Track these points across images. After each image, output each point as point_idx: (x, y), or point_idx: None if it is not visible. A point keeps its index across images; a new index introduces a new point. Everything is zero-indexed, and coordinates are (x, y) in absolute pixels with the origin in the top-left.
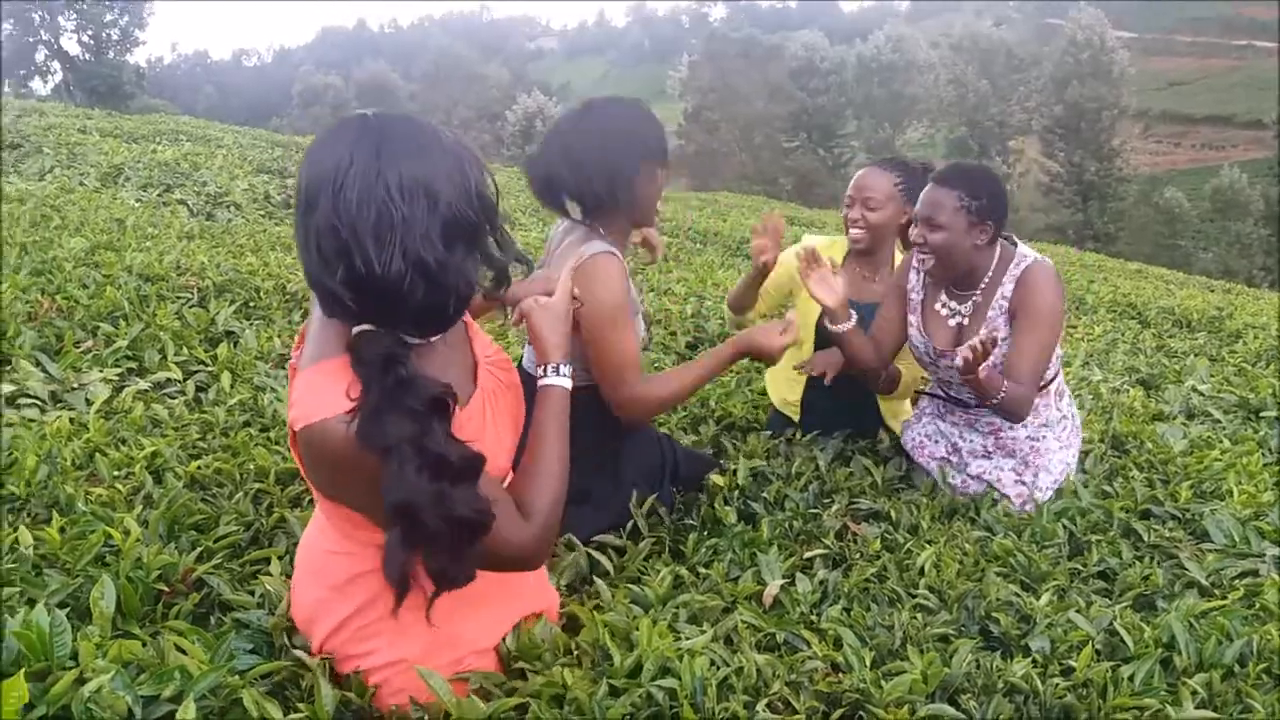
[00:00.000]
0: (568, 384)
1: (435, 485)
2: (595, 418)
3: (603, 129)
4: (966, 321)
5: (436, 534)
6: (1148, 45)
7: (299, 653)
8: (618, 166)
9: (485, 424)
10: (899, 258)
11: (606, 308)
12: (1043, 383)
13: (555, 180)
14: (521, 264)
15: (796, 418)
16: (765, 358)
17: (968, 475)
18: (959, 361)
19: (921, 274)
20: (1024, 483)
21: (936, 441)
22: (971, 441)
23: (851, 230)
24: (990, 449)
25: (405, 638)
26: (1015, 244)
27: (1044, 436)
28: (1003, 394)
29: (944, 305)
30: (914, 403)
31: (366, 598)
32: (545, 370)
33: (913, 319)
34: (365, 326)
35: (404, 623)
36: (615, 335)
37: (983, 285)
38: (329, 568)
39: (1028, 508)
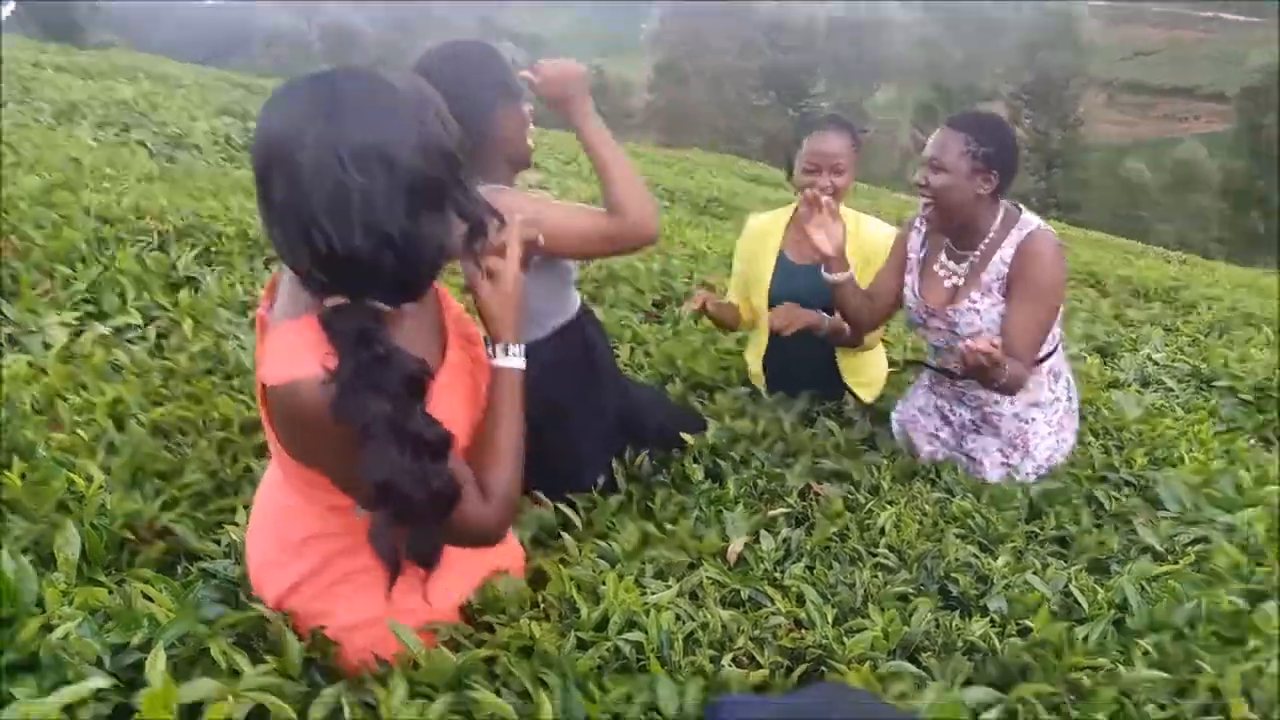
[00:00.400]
0: (520, 364)
1: (416, 464)
2: (570, 353)
3: (451, 77)
4: (962, 282)
5: (420, 511)
6: (1116, 13)
7: (261, 607)
8: (474, 115)
9: (452, 397)
10: (851, 220)
11: None
12: (1037, 358)
13: None
14: (495, 217)
15: (764, 388)
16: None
17: (961, 452)
18: (961, 347)
19: (923, 234)
20: (1009, 464)
21: (929, 414)
22: (960, 415)
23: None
24: (978, 423)
25: (364, 601)
26: (1020, 210)
27: (1033, 419)
28: (1002, 376)
29: (942, 266)
30: (913, 375)
31: (320, 559)
32: (495, 351)
33: (909, 279)
34: (338, 300)
35: (360, 584)
36: None
37: (983, 245)
38: (282, 524)
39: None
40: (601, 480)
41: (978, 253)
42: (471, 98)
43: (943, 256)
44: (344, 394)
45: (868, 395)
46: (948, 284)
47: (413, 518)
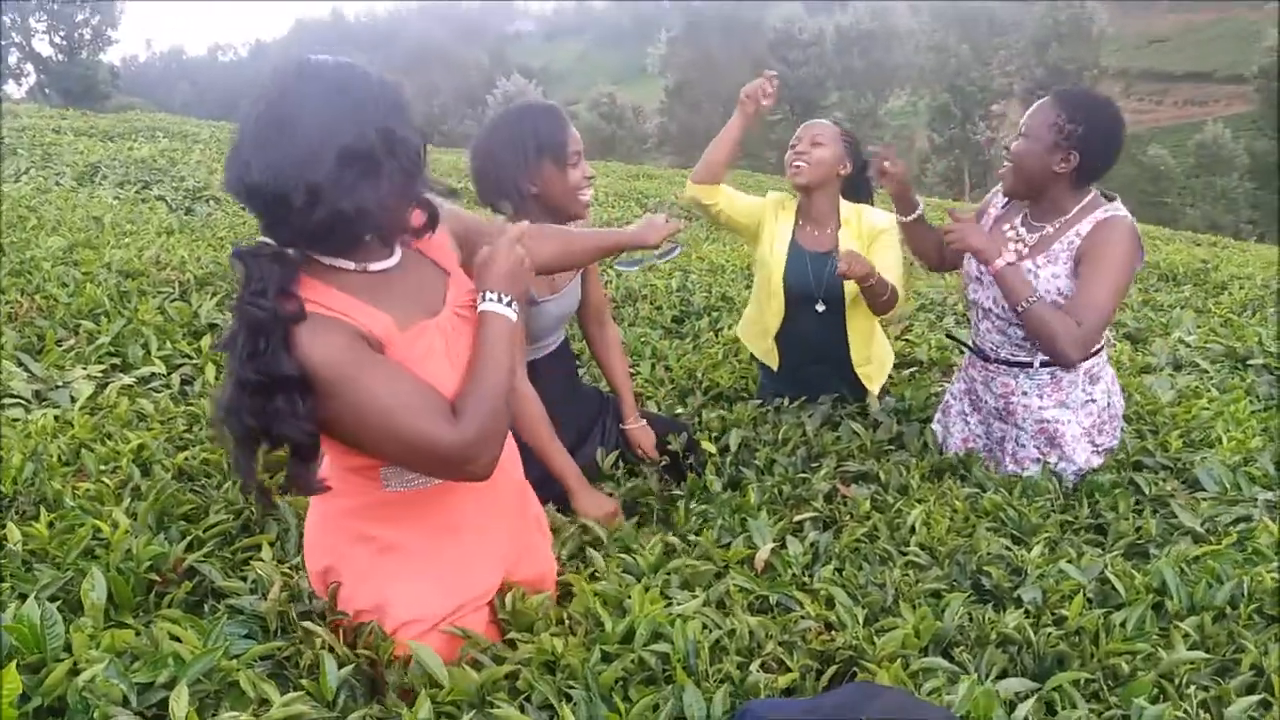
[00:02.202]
0: (510, 314)
1: (236, 396)
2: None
3: (491, 135)
4: (1025, 250)
5: (250, 440)
6: (1128, 5)
7: (306, 624)
8: (507, 168)
9: (431, 356)
10: (844, 208)
11: None
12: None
13: (477, 182)
14: (451, 196)
15: (776, 365)
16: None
17: (991, 441)
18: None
19: (1003, 204)
20: (1045, 461)
21: (959, 398)
22: (987, 402)
23: (794, 164)
24: (1001, 412)
25: (401, 583)
26: (1111, 199)
27: (1065, 420)
28: (1033, 298)
29: (1013, 228)
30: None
31: (348, 536)
32: (486, 296)
33: (986, 225)
34: (265, 239)
35: (394, 569)
36: None
37: (1058, 222)
38: (321, 502)
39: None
40: None
41: (1053, 227)
42: (499, 164)
43: (1017, 220)
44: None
45: (874, 381)
46: (1014, 247)
47: (254, 446)
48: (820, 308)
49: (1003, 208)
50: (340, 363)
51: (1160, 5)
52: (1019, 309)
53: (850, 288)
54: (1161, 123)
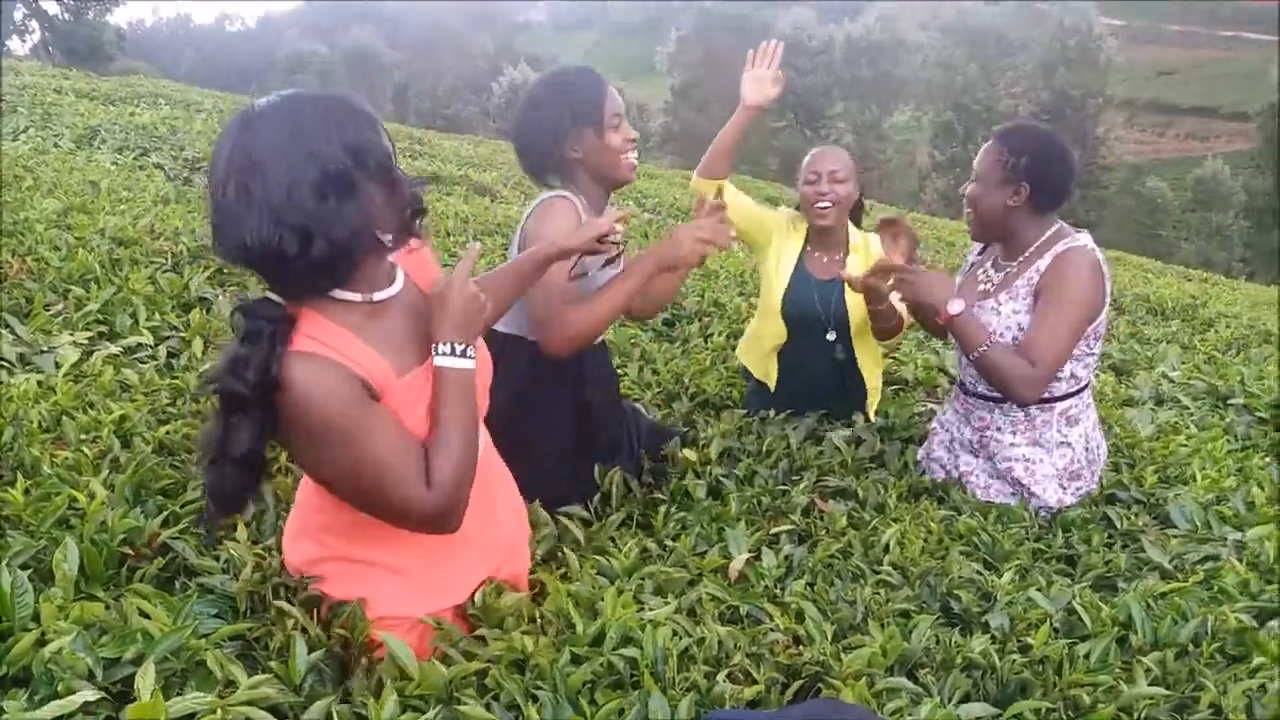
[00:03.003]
0: (466, 364)
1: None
2: (564, 369)
3: (529, 107)
4: (992, 287)
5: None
6: (1137, 33)
7: (281, 603)
8: (546, 134)
9: (421, 402)
10: (854, 235)
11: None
12: (1049, 396)
13: (519, 155)
14: (430, 182)
15: (773, 384)
16: (684, 265)
17: (954, 469)
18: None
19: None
20: (1020, 498)
21: (946, 427)
22: (963, 432)
23: (818, 205)
24: (975, 445)
25: (379, 586)
26: (1075, 231)
27: (1038, 460)
28: (984, 348)
29: (983, 270)
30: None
31: (327, 550)
32: (439, 350)
33: (957, 278)
34: (268, 295)
35: (372, 580)
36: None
37: (1022, 257)
38: (300, 510)
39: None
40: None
41: (1017, 264)
42: (542, 129)
43: (988, 265)
44: (222, 368)
45: (873, 406)
46: (980, 288)
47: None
48: (830, 336)
49: (979, 254)
50: (339, 412)
51: (1170, 37)
52: (971, 356)
53: (857, 315)
54: (1163, 155)
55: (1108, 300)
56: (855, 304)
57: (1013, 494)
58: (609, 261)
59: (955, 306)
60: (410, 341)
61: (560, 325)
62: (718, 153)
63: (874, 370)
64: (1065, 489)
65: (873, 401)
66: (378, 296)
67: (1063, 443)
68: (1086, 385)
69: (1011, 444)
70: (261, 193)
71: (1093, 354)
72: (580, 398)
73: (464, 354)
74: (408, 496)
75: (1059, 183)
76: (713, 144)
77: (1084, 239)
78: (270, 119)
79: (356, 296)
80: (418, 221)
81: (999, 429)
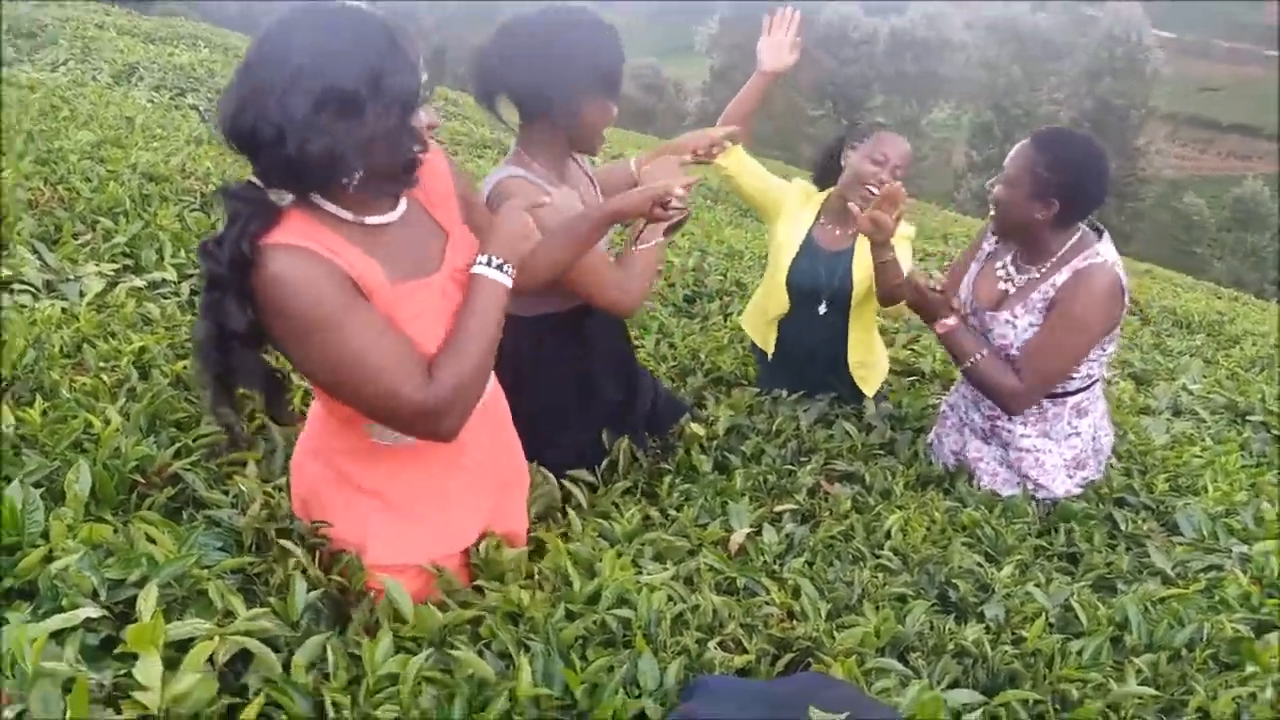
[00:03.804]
0: (505, 280)
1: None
2: (564, 342)
3: (559, 37)
4: (1013, 290)
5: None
6: (1185, 47)
7: (284, 542)
8: (567, 85)
9: (421, 317)
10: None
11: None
12: (1062, 390)
13: (495, 76)
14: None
15: (770, 351)
16: (631, 215)
17: (963, 455)
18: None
19: (994, 245)
20: (1026, 488)
21: (955, 409)
22: (974, 419)
23: (868, 186)
24: (985, 432)
25: (380, 527)
26: (1099, 238)
27: (1047, 450)
28: (975, 359)
29: (1003, 267)
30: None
31: (335, 473)
32: (483, 260)
33: (972, 268)
34: (251, 179)
35: (374, 513)
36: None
37: (1045, 265)
38: (311, 434)
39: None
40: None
41: (1039, 271)
42: (565, 72)
43: (1008, 259)
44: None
45: (869, 384)
46: (1000, 286)
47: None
48: (822, 309)
49: (995, 244)
50: (316, 301)
51: (1219, 54)
52: (963, 368)
53: (861, 288)
54: (1203, 171)
55: (1122, 319)
56: (861, 277)
57: (1018, 484)
58: (672, 228)
59: (943, 327)
60: (409, 258)
61: (618, 286)
62: (731, 118)
63: (867, 346)
64: (1071, 478)
65: (872, 379)
66: (370, 220)
67: (1071, 434)
68: (1098, 380)
69: (1022, 434)
70: (263, 76)
71: (1105, 353)
72: (583, 367)
73: (502, 269)
74: (396, 391)
75: (1091, 200)
76: (726, 109)
77: (1105, 252)
78: (314, 17)
79: (347, 214)
80: (409, 176)
81: (1009, 419)
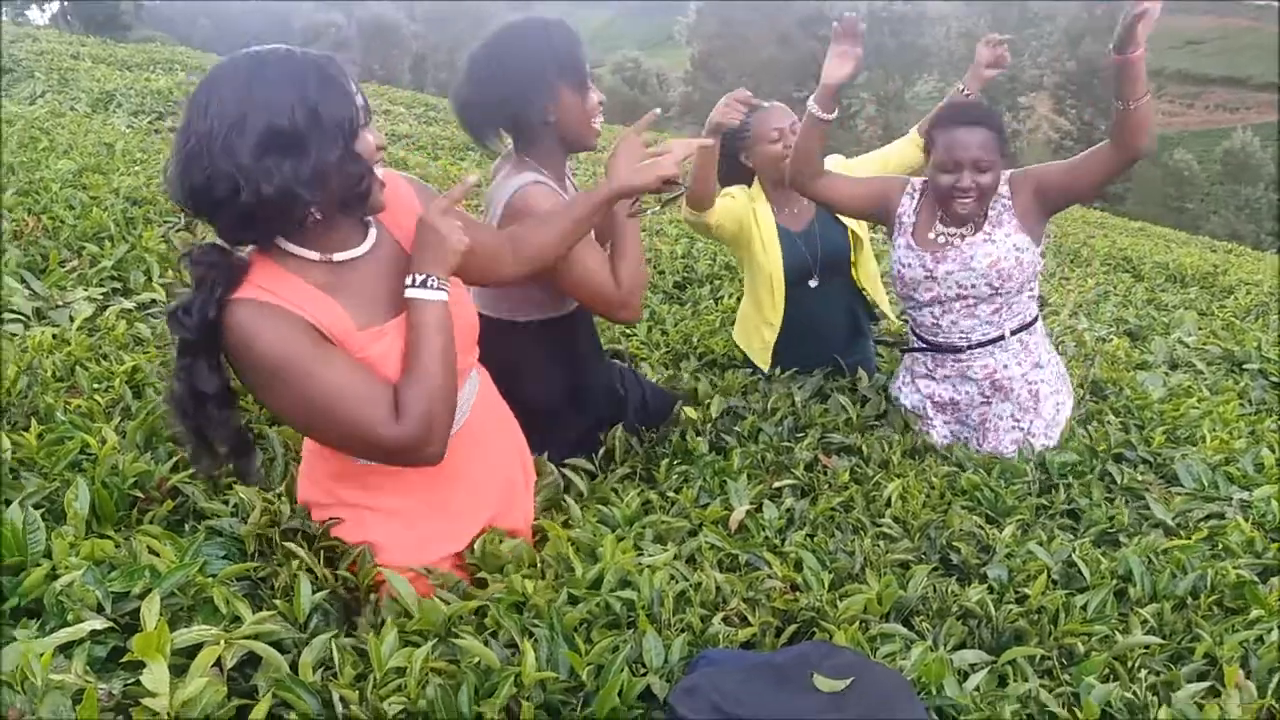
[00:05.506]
0: (439, 297)
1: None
2: (555, 348)
3: (507, 51)
4: (970, 233)
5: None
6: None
7: (289, 544)
8: (524, 91)
9: (389, 359)
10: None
11: None
12: (1030, 319)
13: (474, 119)
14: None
15: (766, 366)
16: (639, 191)
17: (970, 428)
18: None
19: (916, 201)
20: (1020, 428)
21: (942, 408)
22: (968, 393)
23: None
24: (988, 394)
25: (383, 534)
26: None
27: (1040, 381)
28: (1149, 93)
29: (940, 233)
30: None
31: (333, 498)
32: (414, 280)
33: (900, 240)
34: (213, 241)
35: (375, 526)
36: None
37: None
38: (308, 457)
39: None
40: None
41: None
42: (522, 81)
43: (938, 224)
44: (179, 312)
45: (883, 297)
46: (946, 243)
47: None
48: (814, 283)
49: (915, 215)
50: (284, 353)
51: (1198, 6)
52: (1139, 100)
53: (837, 255)
54: (1191, 127)
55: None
56: (834, 246)
57: (1015, 426)
58: (668, 202)
59: (1136, 50)
60: (383, 297)
61: (619, 290)
62: (698, 182)
63: (873, 284)
64: (1058, 403)
65: (883, 299)
66: (339, 257)
67: (1051, 359)
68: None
69: (1023, 374)
70: (203, 133)
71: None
72: (573, 370)
73: (433, 286)
74: (368, 431)
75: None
76: (691, 183)
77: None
78: (237, 69)
79: (314, 255)
80: (364, 200)
81: (1005, 366)
